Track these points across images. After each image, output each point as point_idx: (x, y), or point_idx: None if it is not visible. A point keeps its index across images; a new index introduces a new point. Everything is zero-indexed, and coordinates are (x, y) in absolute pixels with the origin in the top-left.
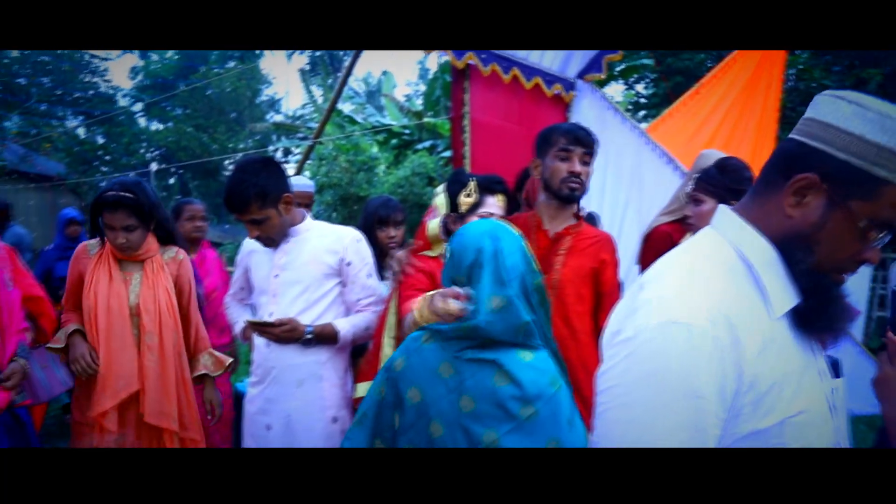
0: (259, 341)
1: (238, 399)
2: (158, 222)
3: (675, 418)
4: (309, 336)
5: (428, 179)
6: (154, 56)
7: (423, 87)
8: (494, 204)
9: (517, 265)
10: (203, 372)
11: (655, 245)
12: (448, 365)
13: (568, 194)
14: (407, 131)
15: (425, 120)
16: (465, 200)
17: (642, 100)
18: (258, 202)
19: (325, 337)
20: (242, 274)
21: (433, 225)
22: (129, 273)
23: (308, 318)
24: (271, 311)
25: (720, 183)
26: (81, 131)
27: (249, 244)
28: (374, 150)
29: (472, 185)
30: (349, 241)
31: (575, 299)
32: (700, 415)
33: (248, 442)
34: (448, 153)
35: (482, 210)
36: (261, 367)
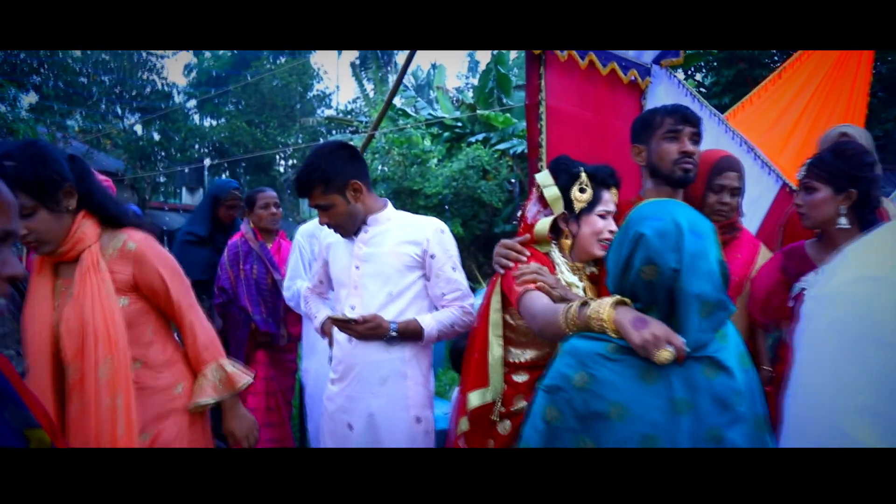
0: (340, 337)
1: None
2: (88, 198)
3: (861, 364)
4: (393, 333)
5: (482, 172)
6: (207, 53)
7: (473, 80)
8: (610, 200)
9: (718, 255)
10: (207, 400)
11: (789, 231)
12: (651, 371)
13: (682, 176)
14: (459, 124)
15: (479, 112)
16: (579, 197)
17: (702, 89)
18: (321, 187)
19: (409, 334)
20: (322, 267)
21: (543, 225)
22: (67, 280)
23: (391, 312)
24: (353, 304)
25: (837, 169)
26: (139, 128)
27: (328, 235)
28: (427, 143)
29: (583, 177)
30: (432, 233)
31: None
32: (889, 363)
33: (327, 441)
34: (502, 145)
35: (600, 208)
36: (342, 364)
